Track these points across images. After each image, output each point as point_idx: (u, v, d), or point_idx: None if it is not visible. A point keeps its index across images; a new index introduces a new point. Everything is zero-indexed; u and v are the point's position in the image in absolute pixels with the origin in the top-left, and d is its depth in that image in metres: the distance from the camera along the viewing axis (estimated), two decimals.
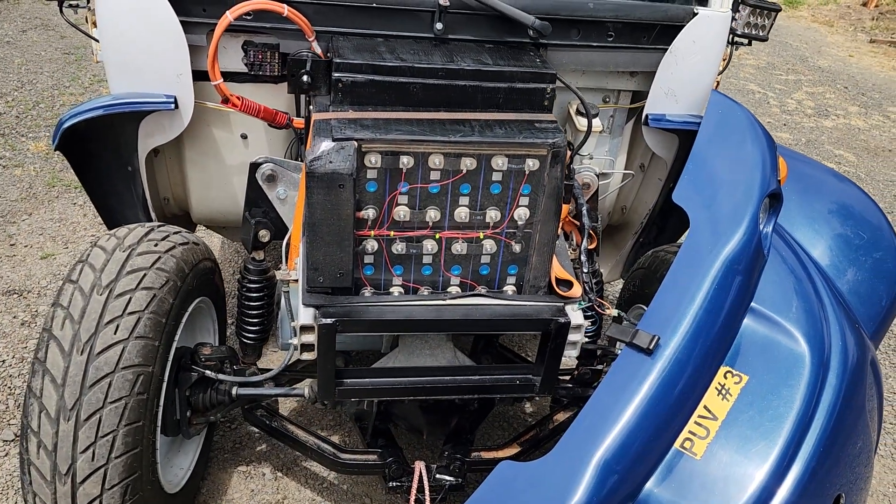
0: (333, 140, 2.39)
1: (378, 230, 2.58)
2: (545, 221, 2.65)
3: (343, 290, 2.62)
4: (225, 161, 3.31)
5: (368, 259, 2.66)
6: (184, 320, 2.79)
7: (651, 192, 3.71)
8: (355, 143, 2.40)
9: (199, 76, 2.96)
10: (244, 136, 3.24)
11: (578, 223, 2.99)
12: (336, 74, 2.55)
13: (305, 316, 2.56)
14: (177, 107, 2.89)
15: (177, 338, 2.71)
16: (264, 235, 2.92)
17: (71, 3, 3.09)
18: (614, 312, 2.83)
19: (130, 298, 2.46)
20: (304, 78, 2.60)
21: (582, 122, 3.08)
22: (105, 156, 3.06)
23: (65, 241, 5.22)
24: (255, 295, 3.02)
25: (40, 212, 5.58)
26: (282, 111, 2.94)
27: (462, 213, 2.61)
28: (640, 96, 3.42)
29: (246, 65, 2.92)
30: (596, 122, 3.03)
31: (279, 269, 2.77)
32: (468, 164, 2.51)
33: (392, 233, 2.60)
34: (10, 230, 5.28)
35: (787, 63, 11.73)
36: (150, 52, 2.83)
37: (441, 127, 2.52)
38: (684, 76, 3.17)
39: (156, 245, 2.67)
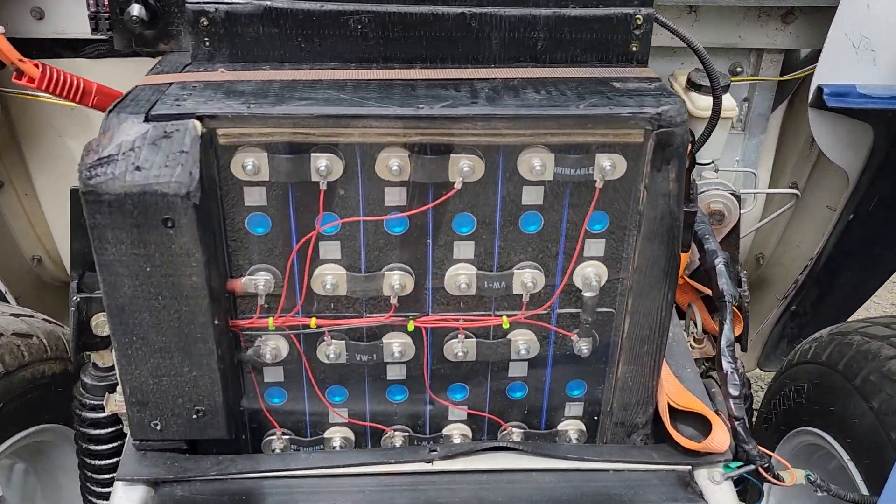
0: (147, 119, 1.04)
1: (282, 316, 1.21)
2: (644, 288, 1.22)
3: (218, 445, 1.25)
4: None
5: (272, 375, 1.28)
6: None
7: (812, 230, 2.19)
8: (196, 125, 1.04)
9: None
10: None
11: (703, 289, 1.53)
12: (193, 4, 1.22)
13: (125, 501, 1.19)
14: None
15: None
16: (103, 323, 1.55)
17: None
18: (801, 477, 1.34)
19: None
20: (136, 11, 1.28)
21: (700, 102, 1.61)
22: None
23: None
24: (102, 434, 1.66)
25: None
26: None
27: (462, 278, 1.21)
28: (792, 63, 1.96)
29: (91, 21, 1.64)
30: (728, 100, 1.58)
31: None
32: (465, 167, 1.11)
33: (314, 321, 1.22)
34: None
35: None
36: None
37: (408, 93, 1.14)
38: (891, 10, 1.70)
39: None
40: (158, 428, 1.20)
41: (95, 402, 1.65)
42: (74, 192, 1.47)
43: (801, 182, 2.24)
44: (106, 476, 1.70)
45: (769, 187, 2.17)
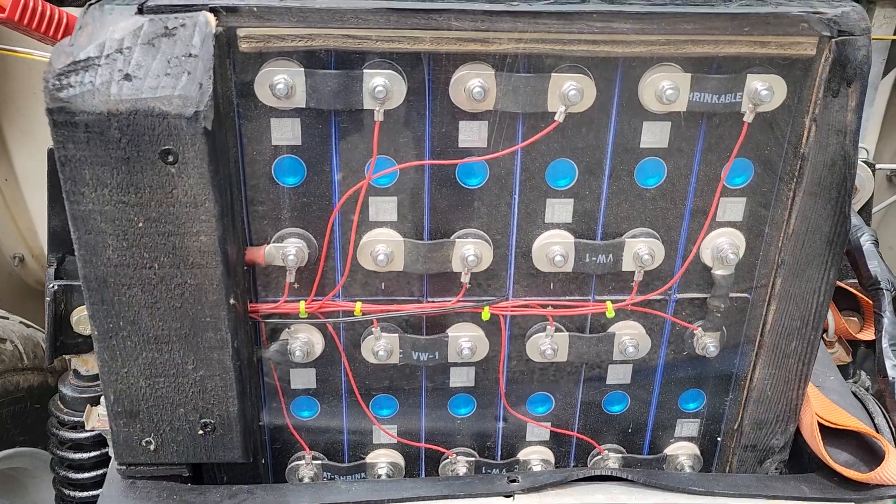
0: (141, 11, 0.75)
1: (317, 300, 0.91)
2: (802, 265, 0.92)
3: (227, 470, 0.94)
4: None
5: (301, 380, 0.98)
6: None
7: None
8: (210, 20, 0.75)
9: None
10: None
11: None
12: None
13: None
14: None
15: None
16: (84, 320, 1.25)
17: None
18: None
19: None
20: None
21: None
22: None
23: None
24: (85, 458, 1.34)
25: None
26: None
27: (555, 248, 0.90)
28: None
29: None
30: None
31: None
32: (571, 92, 0.81)
33: (358, 306, 0.91)
34: None
35: None
36: None
37: None
38: None
39: None
40: (152, 448, 0.89)
41: (77, 420, 1.34)
42: (52, 153, 1.18)
43: None
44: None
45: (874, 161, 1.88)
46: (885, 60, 1.72)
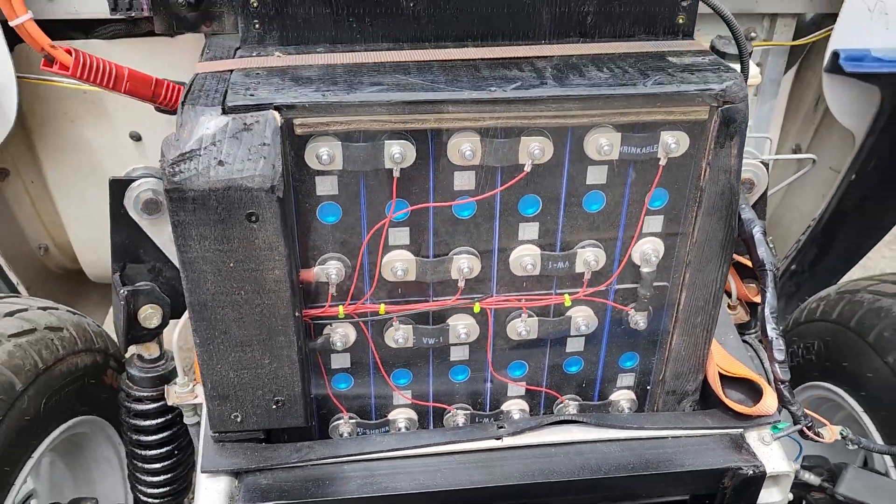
0: (225, 111, 1.03)
1: (352, 304, 1.22)
2: (701, 262, 1.26)
3: (288, 431, 1.26)
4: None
5: (339, 362, 1.30)
6: (36, 454, 1.59)
7: (812, 191, 2.27)
8: (276, 116, 1.04)
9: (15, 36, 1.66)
10: (136, 137, 1.92)
11: (738, 258, 1.58)
12: None
13: (209, 497, 1.19)
14: None
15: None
16: (151, 315, 1.54)
17: None
18: (837, 433, 1.41)
19: None
20: None
21: None
22: None
23: None
24: (150, 425, 1.65)
25: None
26: (173, 81, 1.60)
27: (527, 258, 1.23)
28: (800, 28, 2.01)
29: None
30: (752, 67, 1.61)
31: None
32: (535, 150, 1.13)
33: (383, 307, 1.23)
34: None
35: None
36: None
37: (473, 74, 1.15)
38: None
39: None
40: (239, 420, 1.21)
41: (143, 394, 1.65)
42: (114, 184, 1.45)
43: (804, 144, 2.32)
44: (155, 465, 1.71)
45: (776, 152, 2.23)
46: (785, 62, 2.06)
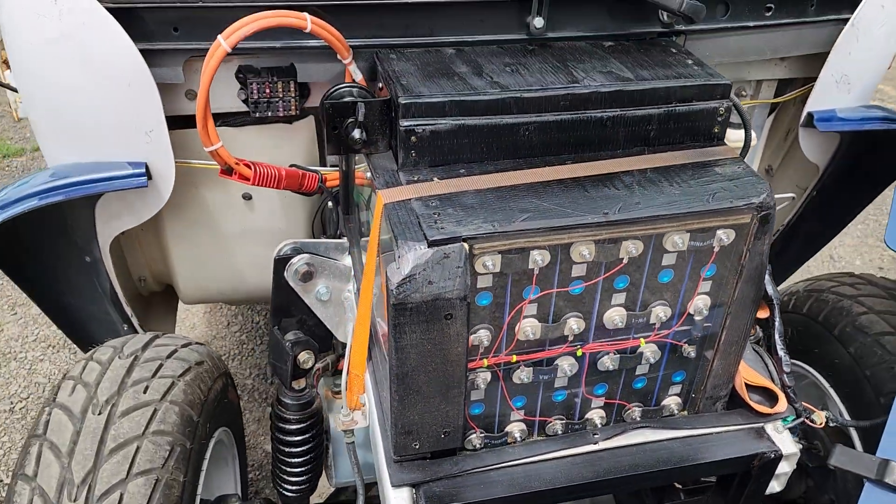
0: (429, 244, 1.44)
1: (494, 357, 1.67)
2: (738, 312, 1.76)
3: (447, 452, 1.72)
4: (223, 231, 2.34)
5: (477, 395, 1.75)
6: (204, 467, 1.99)
7: (781, 204, 2.82)
8: (465, 246, 1.46)
9: (176, 123, 1.98)
10: (247, 197, 2.27)
11: None
12: (406, 123, 1.59)
13: (399, 500, 1.66)
14: (150, 177, 1.91)
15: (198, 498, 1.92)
16: (306, 360, 1.97)
17: None
18: (824, 417, 1.97)
19: (134, 459, 1.70)
20: (357, 134, 1.63)
21: (733, 137, 2.13)
22: (48, 252, 2.08)
23: (11, 305, 4.20)
24: (296, 439, 2.09)
25: None
26: (310, 170, 1.97)
27: (616, 317, 1.70)
28: (783, 86, 2.51)
29: (248, 103, 1.93)
30: (754, 135, 2.10)
31: (333, 397, 1.86)
32: (631, 249, 1.59)
33: (515, 357, 1.69)
34: None
35: None
36: (100, 100, 1.83)
37: (585, 197, 1.58)
38: (863, 56, 2.25)
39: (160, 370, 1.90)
40: (416, 447, 1.66)
41: (291, 416, 2.08)
42: (278, 262, 1.85)
43: (774, 165, 2.85)
44: (296, 469, 2.16)
45: None
46: (768, 110, 2.55)
